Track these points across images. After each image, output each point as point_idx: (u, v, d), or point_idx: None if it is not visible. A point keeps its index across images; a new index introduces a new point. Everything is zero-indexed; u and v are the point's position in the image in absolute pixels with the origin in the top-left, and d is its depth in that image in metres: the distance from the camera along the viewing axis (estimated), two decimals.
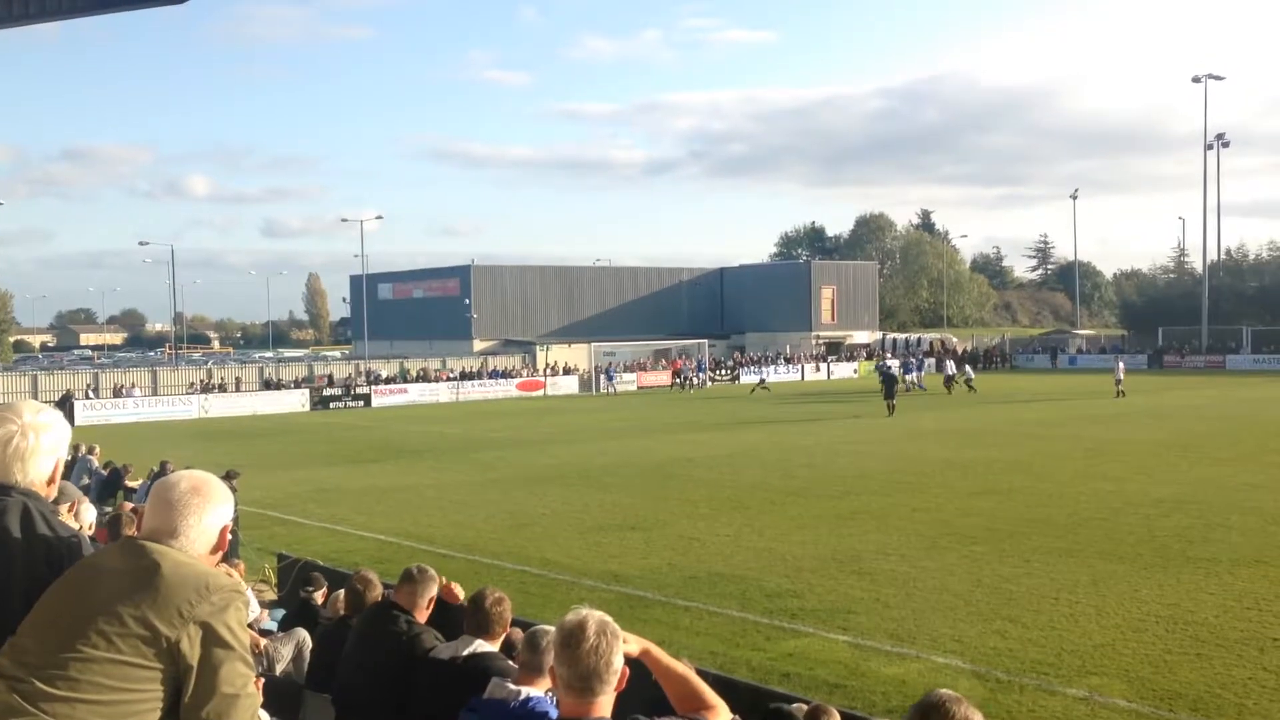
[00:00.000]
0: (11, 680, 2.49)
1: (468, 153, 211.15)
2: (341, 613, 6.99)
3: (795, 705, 5.73)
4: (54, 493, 3.01)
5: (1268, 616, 11.24)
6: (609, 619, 3.00)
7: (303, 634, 7.86)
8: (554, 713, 3.97)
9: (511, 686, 4.38)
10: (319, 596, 8.96)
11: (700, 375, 59.87)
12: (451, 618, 5.88)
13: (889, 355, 66.80)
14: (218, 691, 2.52)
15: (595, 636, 2.93)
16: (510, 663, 4.97)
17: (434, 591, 5.70)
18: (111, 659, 2.50)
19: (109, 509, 11.96)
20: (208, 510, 2.78)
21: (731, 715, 3.31)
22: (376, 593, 6.41)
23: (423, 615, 5.62)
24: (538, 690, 4.39)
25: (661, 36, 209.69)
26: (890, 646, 10.49)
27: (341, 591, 7.72)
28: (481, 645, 5.08)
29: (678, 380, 59.31)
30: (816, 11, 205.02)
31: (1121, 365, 46.90)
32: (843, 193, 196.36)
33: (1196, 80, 73.39)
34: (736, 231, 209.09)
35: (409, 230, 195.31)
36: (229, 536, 2.88)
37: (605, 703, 2.96)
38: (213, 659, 2.53)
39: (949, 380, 48.85)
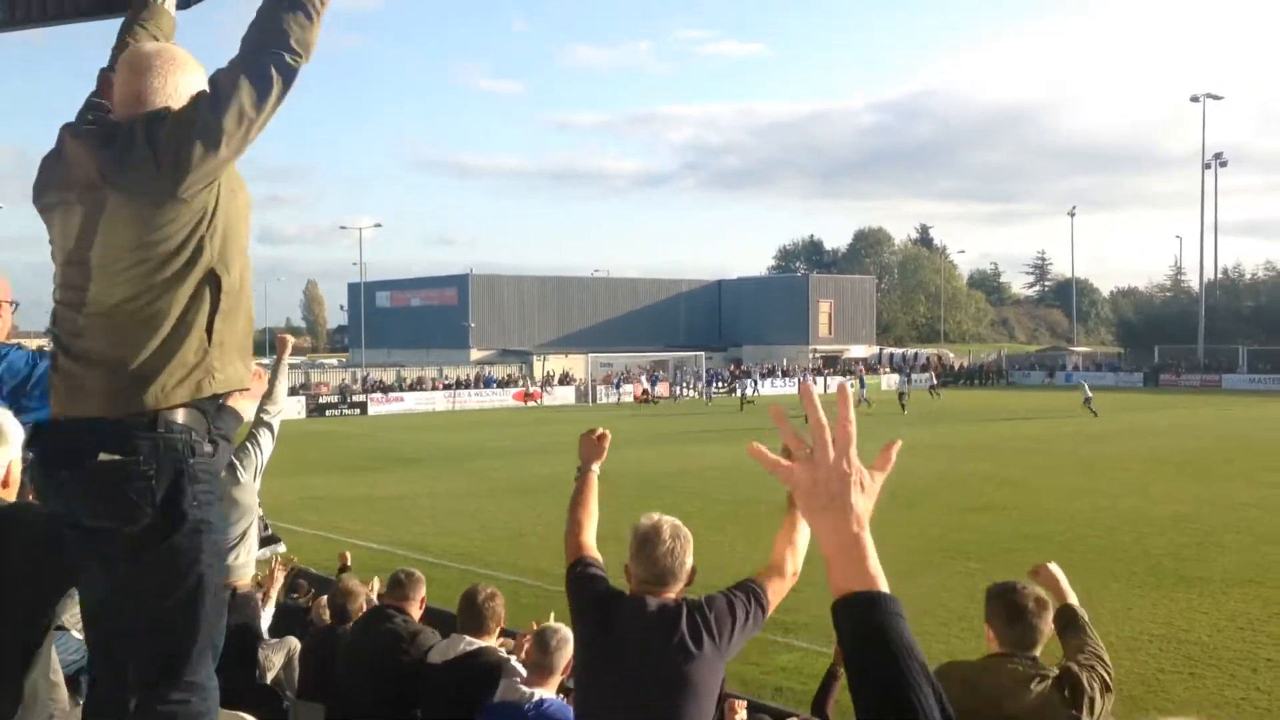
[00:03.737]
0: None
1: (462, 162, 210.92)
2: (326, 620, 6.97)
3: None
4: (11, 495, 2.98)
5: (1261, 636, 11.23)
6: (680, 523, 3.34)
7: (294, 641, 7.83)
8: (569, 713, 4.02)
9: (524, 689, 4.36)
10: (303, 603, 8.94)
11: (709, 389, 59.75)
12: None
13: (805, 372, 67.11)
14: None
15: (670, 540, 3.26)
16: (503, 654, 4.93)
17: (423, 593, 5.71)
18: None
19: None
20: None
21: (791, 574, 3.37)
22: (359, 603, 6.39)
23: (416, 616, 5.61)
24: (549, 691, 4.38)
25: (653, 48, 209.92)
26: None
27: (325, 598, 7.71)
28: (474, 643, 5.02)
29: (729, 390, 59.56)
30: (808, 25, 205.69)
31: (1086, 385, 46.07)
32: (838, 206, 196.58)
33: (1195, 100, 73.76)
34: (734, 244, 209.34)
35: (404, 239, 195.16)
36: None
37: (676, 596, 3.29)
38: None
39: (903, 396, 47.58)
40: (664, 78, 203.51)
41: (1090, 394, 43.90)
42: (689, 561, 3.28)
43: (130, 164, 2.48)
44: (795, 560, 3.37)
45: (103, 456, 2.46)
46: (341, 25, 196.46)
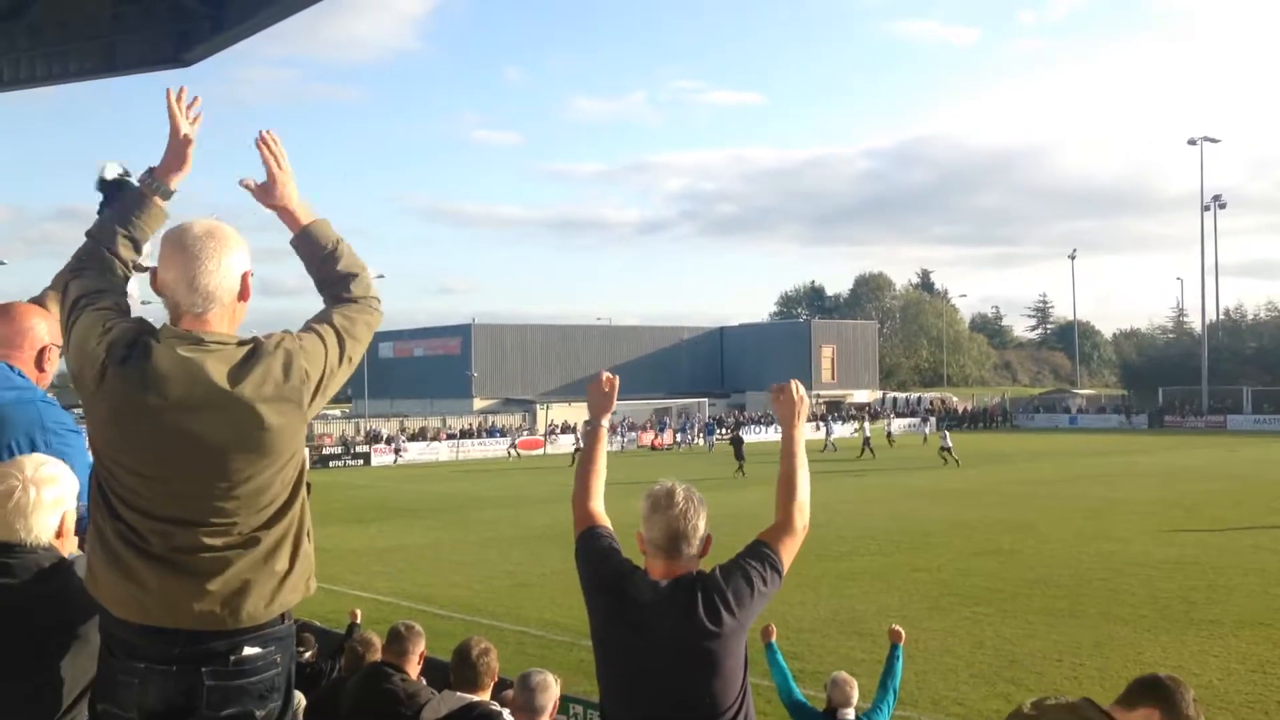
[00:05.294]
0: None
1: (461, 212, 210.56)
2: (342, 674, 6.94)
3: None
4: (64, 546, 2.99)
5: (1272, 679, 11.14)
6: (694, 488, 3.23)
7: (299, 696, 7.79)
8: None
9: None
10: (308, 657, 8.91)
11: (710, 437, 59.36)
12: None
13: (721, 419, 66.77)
14: None
15: (683, 501, 3.16)
16: (495, 707, 4.89)
17: (422, 647, 5.67)
18: None
19: None
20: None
21: (800, 529, 3.38)
22: (375, 656, 6.37)
23: (414, 671, 5.57)
24: None
25: (647, 97, 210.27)
26: None
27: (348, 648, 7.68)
28: (465, 698, 4.97)
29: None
30: (801, 74, 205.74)
31: (948, 434, 43.57)
32: (837, 252, 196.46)
33: (1192, 143, 74.27)
34: (735, 290, 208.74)
35: (405, 289, 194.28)
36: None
37: (690, 565, 3.17)
38: None
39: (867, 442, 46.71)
40: (659, 127, 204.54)
41: (950, 443, 41.66)
42: (702, 526, 3.18)
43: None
44: (802, 515, 3.33)
45: (248, 650, 2.51)
46: (334, 77, 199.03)
